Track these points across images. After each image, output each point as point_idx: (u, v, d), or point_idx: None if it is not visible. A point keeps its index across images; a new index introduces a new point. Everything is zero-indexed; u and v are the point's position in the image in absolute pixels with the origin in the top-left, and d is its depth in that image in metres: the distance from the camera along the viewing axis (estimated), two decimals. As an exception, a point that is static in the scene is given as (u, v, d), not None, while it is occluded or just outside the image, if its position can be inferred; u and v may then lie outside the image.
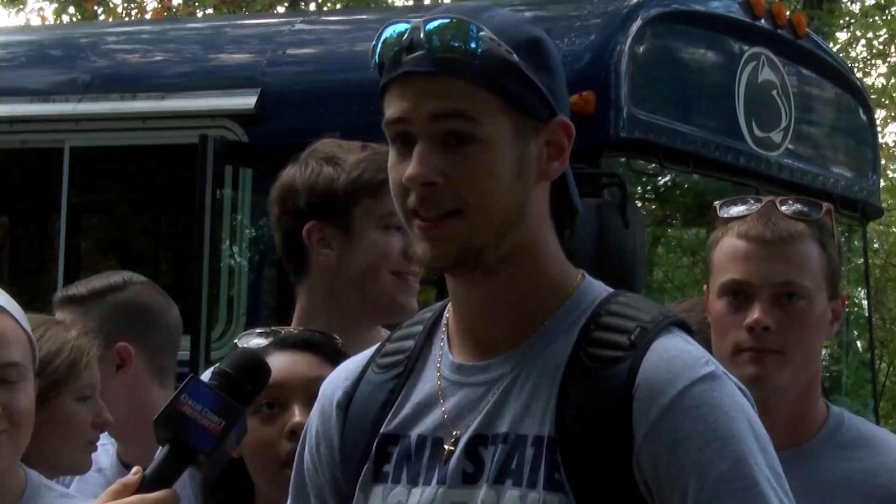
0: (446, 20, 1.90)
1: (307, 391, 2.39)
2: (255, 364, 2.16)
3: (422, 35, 1.90)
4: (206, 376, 2.19)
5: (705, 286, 2.79)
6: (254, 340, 2.62)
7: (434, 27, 1.90)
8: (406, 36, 1.92)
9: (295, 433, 2.42)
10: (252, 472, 2.53)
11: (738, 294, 2.67)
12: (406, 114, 1.91)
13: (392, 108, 1.93)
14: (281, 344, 2.57)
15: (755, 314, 2.63)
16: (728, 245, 2.69)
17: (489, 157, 1.90)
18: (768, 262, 2.65)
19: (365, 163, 2.86)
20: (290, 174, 2.94)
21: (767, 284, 2.64)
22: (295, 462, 2.16)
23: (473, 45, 1.89)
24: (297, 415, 2.46)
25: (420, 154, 1.90)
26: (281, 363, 2.48)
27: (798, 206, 2.71)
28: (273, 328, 2.68)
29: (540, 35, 1.96)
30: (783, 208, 2.70)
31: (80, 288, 3.34)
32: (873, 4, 17.81)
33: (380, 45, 1.94)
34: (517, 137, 1.92)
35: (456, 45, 1.89)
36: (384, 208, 2.80)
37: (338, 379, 2.12)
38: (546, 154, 1.95)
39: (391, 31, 1.93)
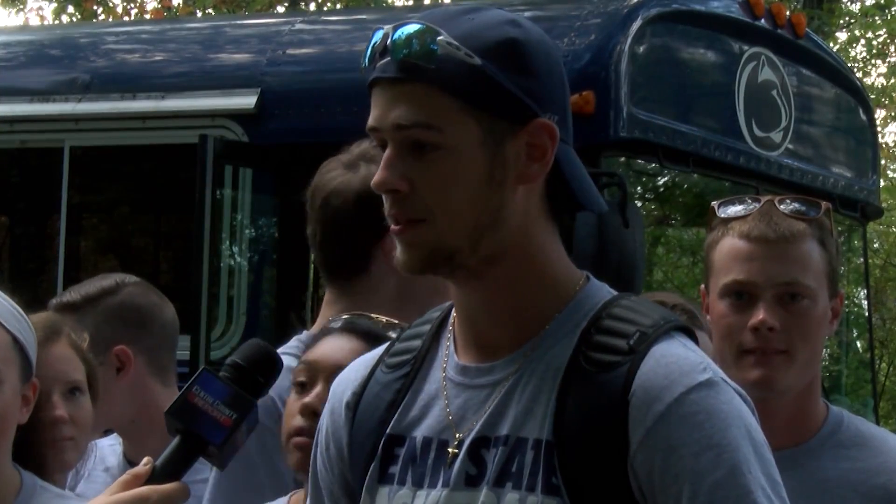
0: (416, 26, 1.92)
1: (334, 374, 2.42)
2: (266, 356, 2.16)
3: (390, 41, 1.93)
4: None
5: (702, 287, 2.78)
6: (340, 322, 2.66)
7: (399, 33, 1.93)
8: (379, 42, 1.95)
9: (307, 407, 2.48)
10: None
11: (742, 295, 2.65)
12: (376, 123, 1.95)
13: (370, 117, 1.97)
14: (345, 328, 2.60)
15: (760, 315, 2.62)
16: (729, 245, 2.68)
17: (454, 163, 1.91)
18: (772, 261, 2.64)
19: None
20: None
21: (771, 285, 2.63)
22: (311, 461, 2.17)
23: (431, 50, 1.91)
24: (311, 395, 2.50)
25: (386, 161, 1.93)
26: (327, 346, 2.55)
27: (797, 206, 2.70)
28: (371, 315, 2.69)
29: (517, 36, 1.94)
30: (782, 207, 2.69)
31: (73, 294, 3.34)
32: (873, 4, 17.82)
33: (368, 50, 1.97)
34: (487, 141, 1.92)
35: (416, 50, 1.91)
36: None
37: (347, 378, 2.13)
38: (525, 156, 1.95)
39: (377, 35, 1.97)
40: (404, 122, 1.92)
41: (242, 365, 2.11)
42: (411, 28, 1.92)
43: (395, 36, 1.93)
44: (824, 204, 2.73)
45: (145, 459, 2.08)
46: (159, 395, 3.28)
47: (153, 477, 2.05)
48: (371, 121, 1.96)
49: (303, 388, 2.54)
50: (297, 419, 2.51)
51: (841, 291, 2.75)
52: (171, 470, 2.06)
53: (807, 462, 2.64)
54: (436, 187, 1.92)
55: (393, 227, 1.94)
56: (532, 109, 1.94)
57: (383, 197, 1.95)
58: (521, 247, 1.96)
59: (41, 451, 2.69)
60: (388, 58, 1.93)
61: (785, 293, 2.64)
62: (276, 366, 2.17)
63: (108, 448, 3.43)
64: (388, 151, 1.94)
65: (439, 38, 1.91)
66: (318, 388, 2.51)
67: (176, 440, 2.07)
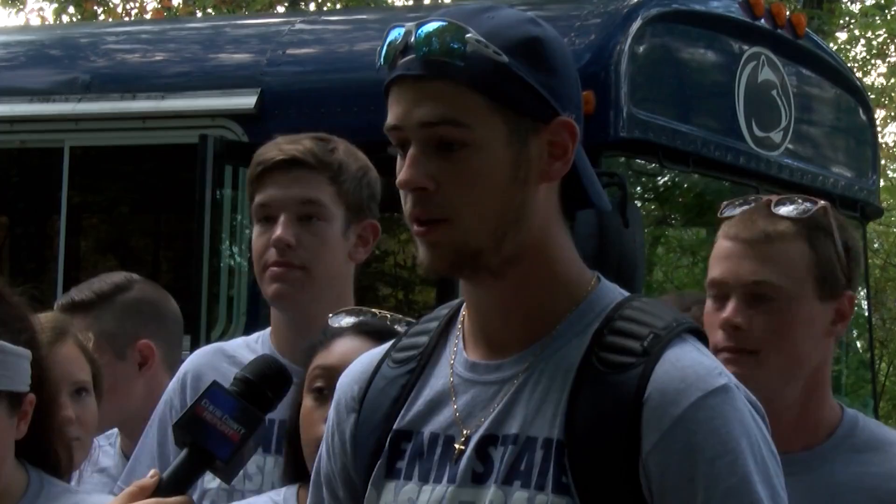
0: (440, 23, 1.92)
1: None
2: (275, 371, 2.16)
3: (413, 39, 1.92)
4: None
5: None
6: (344, 319, 2.65)
7: (425, 31, 1.92)
8: (401, 39, 1.93)
9: None
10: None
11: (718, 293, 2.66)
12: (399, 121, 1.93)
13: (389, 115, 1.95)
14: (358, 329, 2.60)
15: (725, 313, 2.62)
16: (717, 245, 2.70)
17: (481, 160, 1.91)
18: (742, 260, 2.63)
19: (253, 164, 2.95)
20: None
21: (739, 283, 2.62)
22: (318, 454, 2.17)
23: (459, 48, 1.90)
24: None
25: (411, 159, 1.92)
26: (342, 348, 2.54)
27: (788, 205, 2.68)
28: (372, 310, 2.69)
29: (539, 34, 1.95)
30: (774, 208, 2.67)
31: (83, 292, 3.32)
32: (873, 4, 17.81)
33: (384, 48, 1.96)
34: (513, 139, 1.92)
35: (444, 47, 1.90)
36: (256, 200, 2.96)
37: (354, 373, 2.13)
38: (548, 154, 1.95)
39: (394, 34, 1.95)
40: (431, 119, 1.90)
41: (251, 379, 2.11)
42: (436, 25, 1.91)
43: (420, 33, 1.91)
44: (820, 203, 2.69)
45: (152, 472, 2.08)
46: None
47: (159, 489, 2.05)
48: (392, 119, 1.94)
49: (320, 393, 2.53)
50: (321, 427, 2.48)
51: (847, 293, 2.68)
52: (177, 483, 2.06)
53: (819, 466, 2.62)
54: (463, 186, 1.91)
55: (416, 228, 1.93)
56: (554, 107, 1.94)
57: (405, 196, 1.93)
58: (540, 246, 1.97)
59: (58, 453, 2.68)
60: (412, 55, 1.92)
61: (752, 293, 2.62)
62: (285, 380, 2.17)
63: (100, 450, 3.41)
64: (412, 150, 1.92)
65: (467, 35, 1.90)
66: None
67: (183, 453, 2.07)
